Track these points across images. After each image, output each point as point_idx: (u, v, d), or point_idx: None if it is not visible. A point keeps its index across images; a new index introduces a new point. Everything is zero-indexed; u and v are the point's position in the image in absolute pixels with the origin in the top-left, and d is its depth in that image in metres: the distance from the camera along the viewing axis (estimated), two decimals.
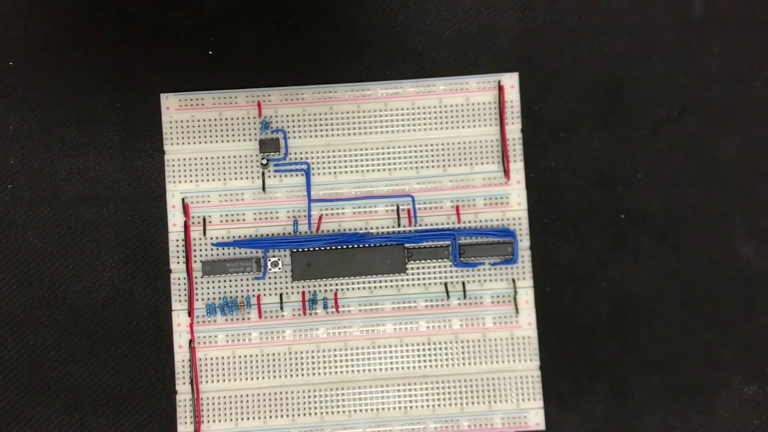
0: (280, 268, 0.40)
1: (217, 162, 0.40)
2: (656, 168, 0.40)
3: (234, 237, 0.40)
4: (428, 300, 0.40)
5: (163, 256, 0.40)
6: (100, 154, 0.40)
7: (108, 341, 0.40)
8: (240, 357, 0.39)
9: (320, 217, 0.40)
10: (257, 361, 0.39)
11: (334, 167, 0.40)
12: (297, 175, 0.40)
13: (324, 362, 0.40)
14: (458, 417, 0.39)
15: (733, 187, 0.40)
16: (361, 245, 0.40)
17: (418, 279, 0.40)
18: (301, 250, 0.40)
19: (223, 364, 0.39)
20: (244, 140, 0.40)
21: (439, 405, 0.39)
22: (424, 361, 0.40)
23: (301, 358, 0.40)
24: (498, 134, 0.40)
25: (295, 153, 0.40)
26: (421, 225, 0.40)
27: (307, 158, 0.40)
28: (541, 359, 0.40)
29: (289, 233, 0.40)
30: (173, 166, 0.40)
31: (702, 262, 0.40)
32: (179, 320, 0.40)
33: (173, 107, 0.40)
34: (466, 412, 0.40)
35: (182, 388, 0.39)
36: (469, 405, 0.40)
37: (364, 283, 0.40)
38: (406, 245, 0.40)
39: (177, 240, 0.40)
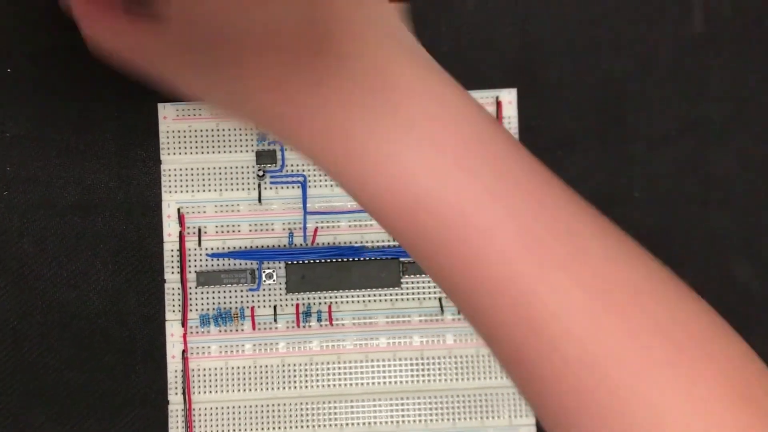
0: (274, 280, 0.39)
1: (213, 173, 0.40)
2: (653, 186, 0.40)
3: (229, 248, 0.40)
4: (422, 314, 0.40)
5: (158, 265, 0.40)
6: (97, 162, 0.40)
7: (101, 350, 0.40)
8: (233, 368, 0.39)
9: (315, 230, 0.40)
10: (250, 372, 0.39)
11: (331, 180, 0.40)
12: (293, 187, 0.40)
13: (317, 375, 0.39)
14: None
15: (731, 207, 0.40)
16: (356, 258, 0.39)
17: (413, 293, 0.40)
18: (296, 262, 0.39)
19: (216, 375, 0.39)
20: (241, 151, 0.40)
21: (431, 420, 0.39)
22: (418, 375, 0.40)
23: (294, 370, 0.39)
24: None
25: (292, 165, 0.40)
26: None
27: (303, 170, 0.40)
28: None
29: (285, 245, 0.40)
30: (169, 175, 0.40)
31: (698, 281, 0.40)
32: (173, 330, 0.40)
33: (170, 117, 0.40)
34: (458, 427, 0.39)
35: (174, 399, 0.39)
36: (461, 420, 0.39)
37: (358, 296, 0.40)
38: (401, 259, 0.39)
39: (172, 250, 0.40)
